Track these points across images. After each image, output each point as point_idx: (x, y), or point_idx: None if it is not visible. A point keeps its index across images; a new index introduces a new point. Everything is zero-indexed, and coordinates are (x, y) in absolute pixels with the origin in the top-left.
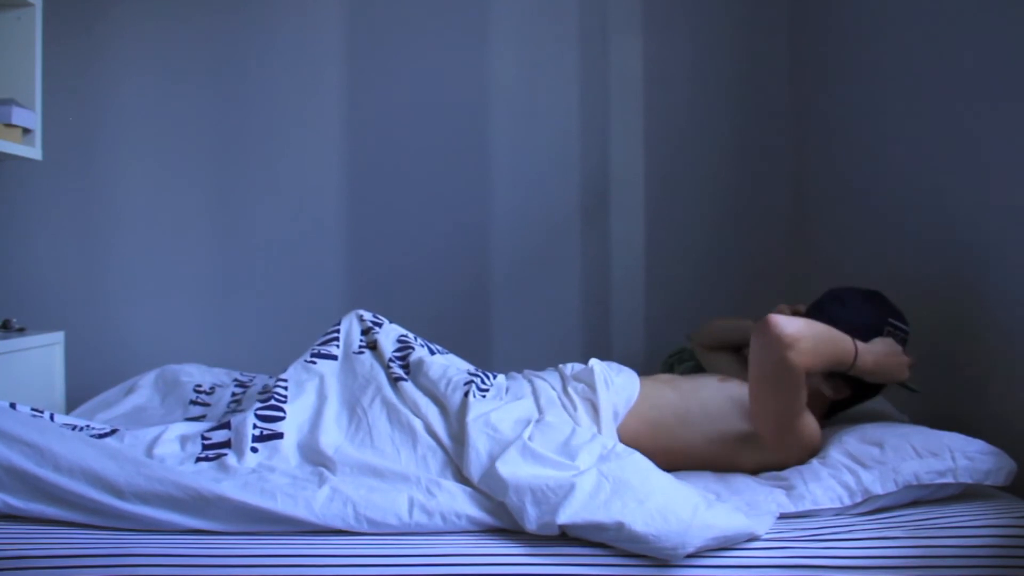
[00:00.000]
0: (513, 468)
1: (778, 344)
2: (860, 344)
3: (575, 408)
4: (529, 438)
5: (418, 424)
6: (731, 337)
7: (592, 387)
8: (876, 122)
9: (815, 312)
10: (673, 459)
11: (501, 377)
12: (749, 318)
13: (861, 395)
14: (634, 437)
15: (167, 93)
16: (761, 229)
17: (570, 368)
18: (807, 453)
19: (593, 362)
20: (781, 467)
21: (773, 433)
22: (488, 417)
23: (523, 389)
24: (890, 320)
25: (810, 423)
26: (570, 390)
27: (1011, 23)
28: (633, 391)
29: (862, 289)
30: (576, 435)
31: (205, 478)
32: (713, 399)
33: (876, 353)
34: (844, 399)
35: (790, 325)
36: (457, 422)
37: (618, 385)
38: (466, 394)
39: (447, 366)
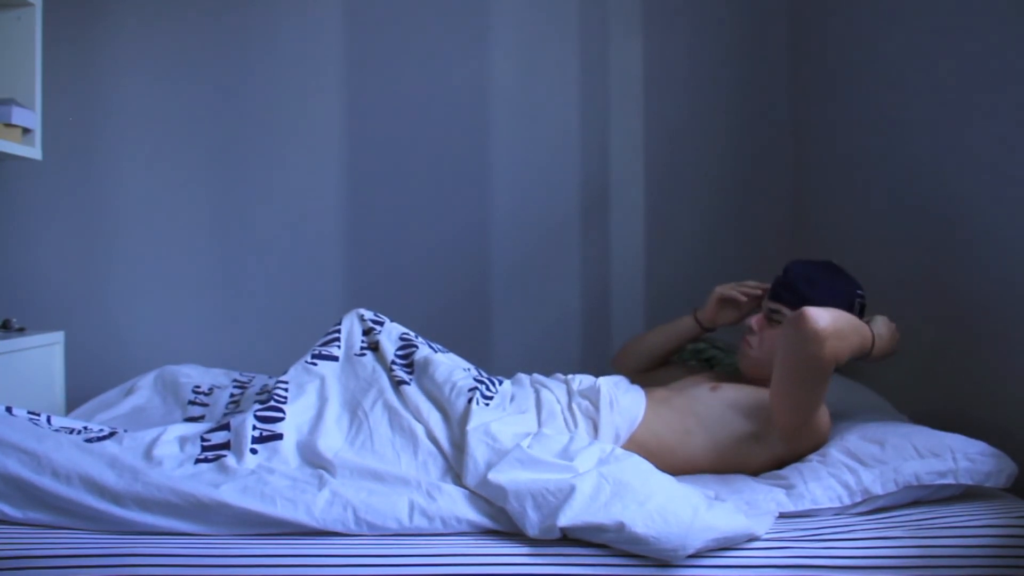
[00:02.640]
0: (512, 475)
1: (815, 338)
2: (874, 329)
3: (576, 425)
4: (528, 447)
5: (419, 429)
6: (658, 350)
7: (596, 406)
8: (876, 121)
9: (788, 294)
10: (677, 473)
11: (507, 383)
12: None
13: None
14: None
15: (167, 93)
16: (761, 228)
17: (578, 382)
18: (819, 443)
19: (601, 381)
20: (793, 458)
21: (793, 424)
22: (489, 427)
23: (527, 400)
24: (857, 292)
25: (825, 413)
26: (574, 406)
27: (1011, 10)
28: (638, 413)
29: (817, 262)
30: (575, 441)
31: (204, 483)
32: (710, 411)
33: (883, 336)
34: None
35: (823, 318)
36: (458, 429)
37: (623, 406)
38: (469, 401)
39: (453, 368)
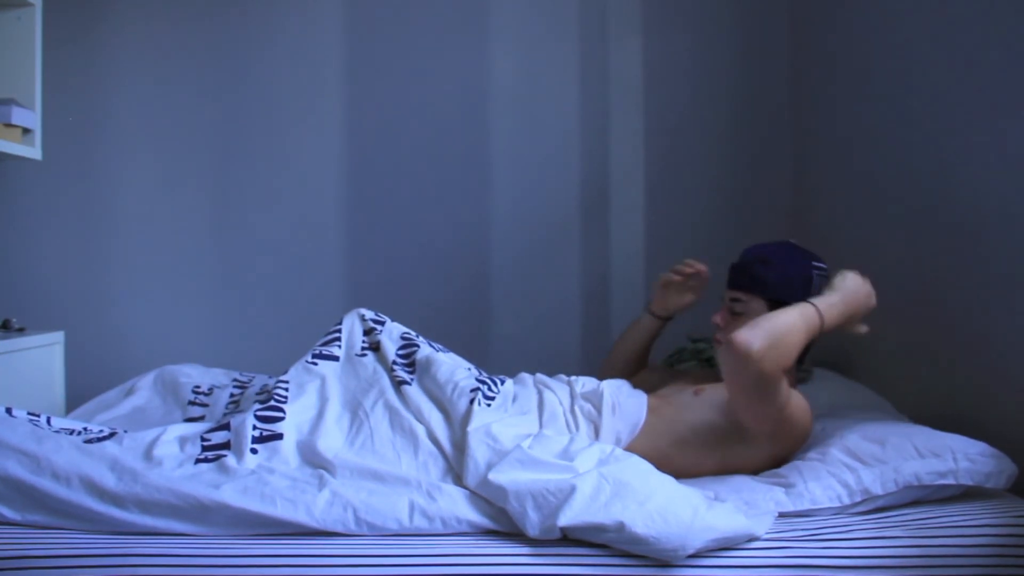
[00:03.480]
0: (512, 475)
1: (751, 360)
2: (819, 303)
3: (577, 428)
4: (528, 448)
5: (420, 430)
6: (630, 352)
7: (599, 409)
8: (877, 121)
9: (743, 279)
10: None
11: (509, 383)
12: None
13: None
14: None
15: (167, 93)
16: (761, 228)
17: (581, 384)
18: (805, 432)
19: (604, 384)
20: (788, 453)
21: (767, 430)
22: (490, 428)
23: (530, 401)
24: (814, 264)
25: (799, 404)
26: (576, 409)
27: (1013, 6)
28: (639, 418)
29: (772, 242)
30: (575, 442)
31: (204, 484)
32: (699, 417)
33: (841, 301)
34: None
35: (755, 339)
36: (459, 429)
37: (625, 411)
38: (471, 402)
39: (455, 368)
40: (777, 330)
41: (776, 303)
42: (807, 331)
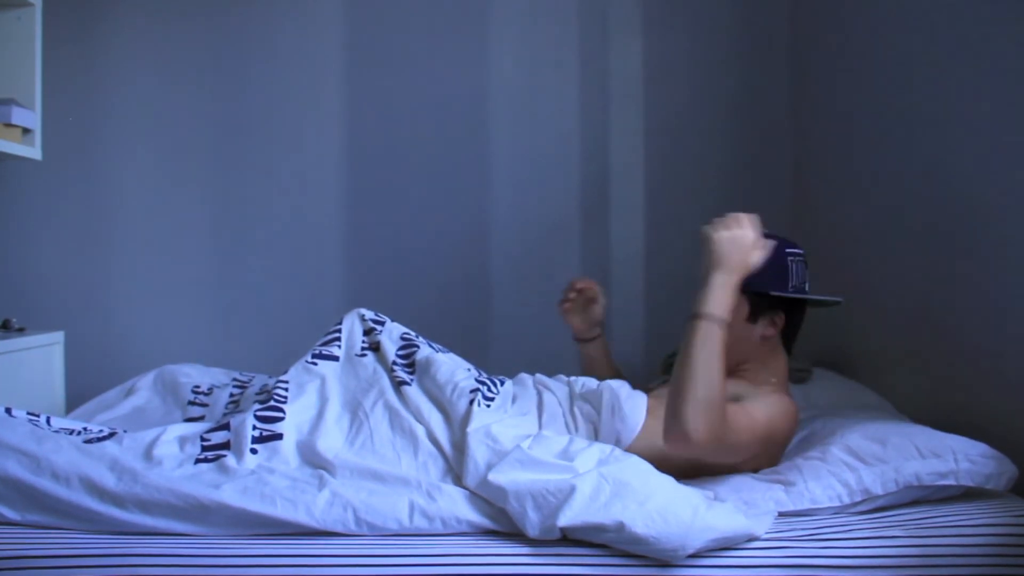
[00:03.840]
0: (512, 476)
1: (697, 449)
2: (706, 307)
3: (577, 429)
4: (528, 448)
5: (420, 430)
6: (602, 366)
7: (598, 410)
8: (877, 122)
9: None
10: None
11: (509, 384)
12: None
13: (797, 309)
14: None
15: (167, 93)
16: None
17: (580, 385)
18: (791, 429)
19: (603, 385)
20: (784, 448)
21: (759, 455)
22: (489, 428)
23: (529, 402)
24: (788, 251)
25: (769, 414)
26: (575, 410)
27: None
28: (639, 419)
29: None
30: (575, 442)
31: (204, 484)
32: None
33: (721, 273)
34: (791, 322)
35: (688, 429)
36: (459, 430)
37: (624, 413)
38: (471, 402)
39: (455, 369)
40: (696, 397)
41: (756, 295)
42: (717, 350)
